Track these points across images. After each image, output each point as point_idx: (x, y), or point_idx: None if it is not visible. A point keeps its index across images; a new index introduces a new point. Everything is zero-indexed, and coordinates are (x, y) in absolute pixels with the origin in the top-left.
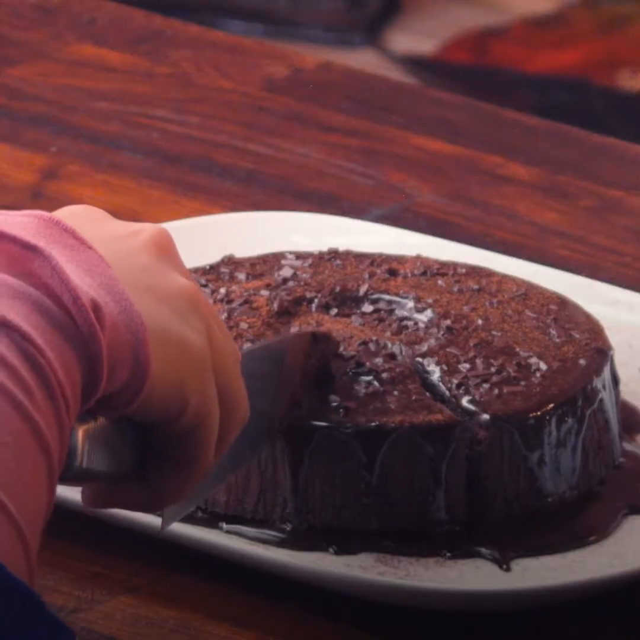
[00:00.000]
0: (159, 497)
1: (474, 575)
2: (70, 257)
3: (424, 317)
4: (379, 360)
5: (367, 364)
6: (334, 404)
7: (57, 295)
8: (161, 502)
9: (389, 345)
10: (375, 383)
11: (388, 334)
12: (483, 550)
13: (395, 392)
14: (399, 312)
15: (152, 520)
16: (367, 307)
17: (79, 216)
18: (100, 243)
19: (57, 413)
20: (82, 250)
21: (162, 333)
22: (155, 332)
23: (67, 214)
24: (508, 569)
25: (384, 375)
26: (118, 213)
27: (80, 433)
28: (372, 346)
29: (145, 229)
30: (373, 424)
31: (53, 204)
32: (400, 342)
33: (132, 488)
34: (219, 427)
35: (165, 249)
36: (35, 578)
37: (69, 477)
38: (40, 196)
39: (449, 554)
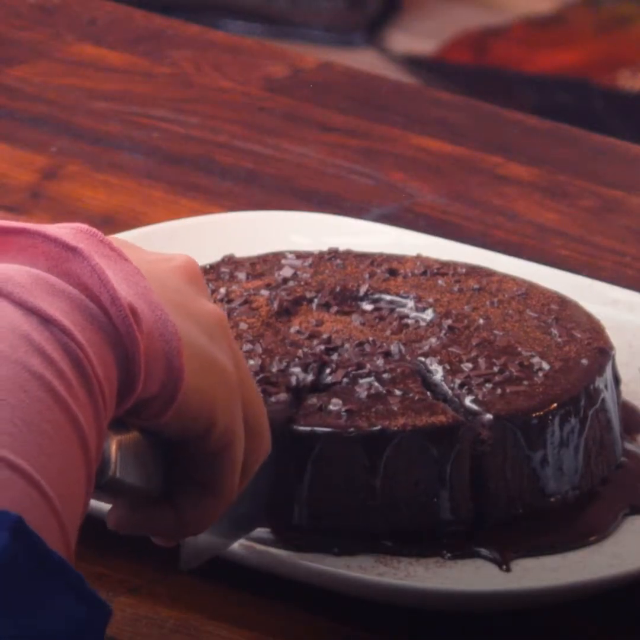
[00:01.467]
0: (184, 524)
1: (474, 576)
2: (107, 265)
3: (425, 315)
4: (379, 361)
5: (368, 365)
6: (336, 407)
7: (96, 295)
8: (185, 529)
9: (387, 345)
10: (376, 384)
11: (388, 332)
12: (483, 550)
13: (397, 392)
14: (400, 311)
15: None
16: (367, 306)
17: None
18: (133, 262)
19: (96, 408)
20: (119, 261)
21: (193, 347)
22: (187, 345)
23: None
24: (508, 569)
25: (385, 376)
26: (118, 213)
27: (113, 442)
28: (370, 347)
29: (175, 257)
30: (376, 428)
31: (53, 204)
32: (399, 341)
33: (158, 513)
34: (244, 455)
35: (195, 277)
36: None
37: (101, 485)
38: (40, 196)
39: (449, 555)
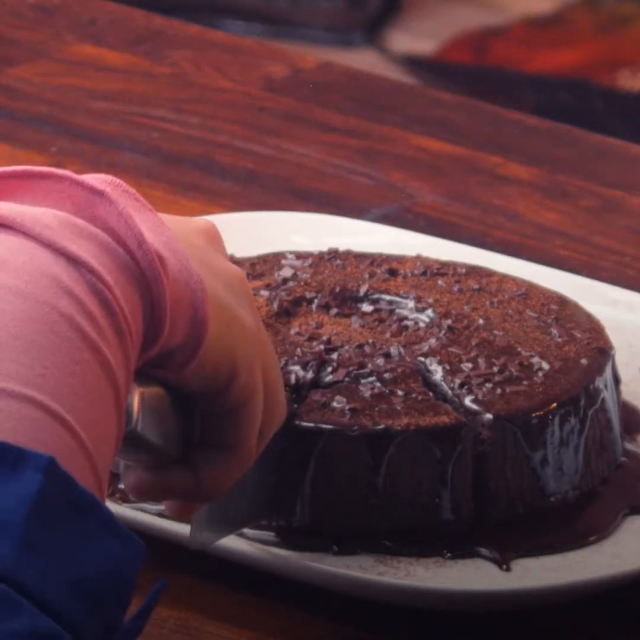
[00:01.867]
0: (202, 485)
1: (474, 575)
2: (133, 212)
3: (424, 316)
4: (379, 361)
5: (369, 365)
6: (340, 405)
7: (123, 239)
8: (204, 490)
9: (387, 347)
10: (378, 384)
11: (388, 335)
12: (483, 550)
13: (399, 392)
14: (400, 312)
15: (152, 520)
16: (367, 307)
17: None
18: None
19: (125, 351)
20: (143, 211)
21: (217, 299)
22: (211, 297)
23: None
24: (508, 569)
25: (386, 375)
26: None
27: (136, 394)
28: (369, 348)
29: (196, 220)
30: (380, 426)
31: None
32: (399, 343)
33: (175, 474)
34: (262, 416)
35: (216, 239)
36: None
37: (124, 436)
38: None
39: (449, 554)
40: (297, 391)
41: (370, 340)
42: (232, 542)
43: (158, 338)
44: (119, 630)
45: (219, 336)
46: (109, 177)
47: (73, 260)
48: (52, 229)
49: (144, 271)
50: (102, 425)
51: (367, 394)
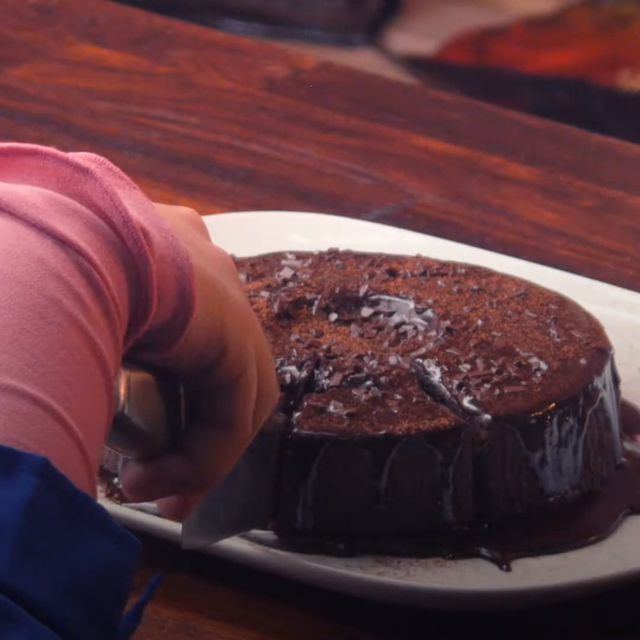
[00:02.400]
0: (201, 469)
1: (474, 575)
2: (118, 191)
3: (422, 320)
4: (373, 363)
5: (365, 369)
6: (336, 410)
7: (108, 216)
8: (203, 475)
9: (386, 358)
10: (374, 388)
11: (386, 344)
12: (483, 550)
13: (396, 396)
14: (398, 317)
15: (152, 520)
16: (366, 310)
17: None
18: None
19: (113, 331)
20: (128, 188)
21: (204, 275)
22: (198, 273)
23: None
24: (508, 569)
25: (382, 379)
26: None
27: (123, 378)
28: (369, 359)
29: (179, 207)
30: (381, 432)
31: None
32: (397, 353)
33: (172, 462)
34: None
35: (199, 225)
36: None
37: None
38: None
39: (449, 554)
40: (293, 391)
41: (369, 352)
42: (232, 543)
43: (146, 317)
44: (116, 631)
45: (207, 311)
46: (93, 155)
47: (60, 241)
48: (38, 208)
49: (130, 250)
50: (93, 413)
51: (363, 398)
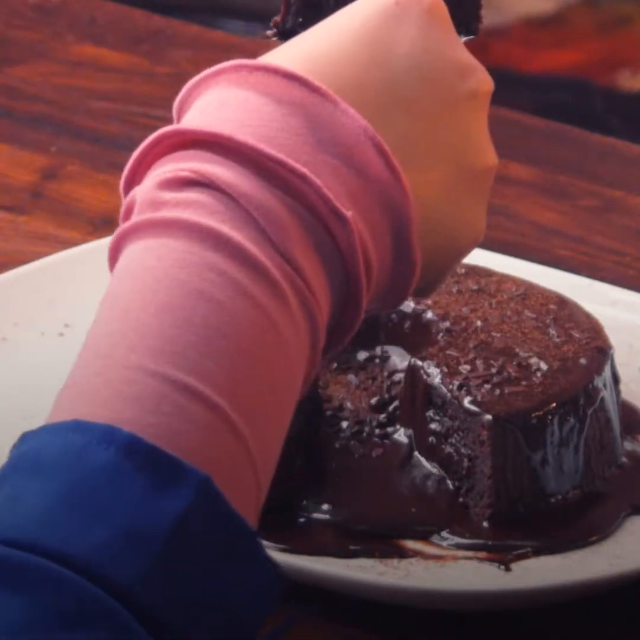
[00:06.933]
0: None
1: (474, 575)
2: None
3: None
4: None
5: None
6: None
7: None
8: None
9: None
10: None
11: (377, 398)
12: (483, 550)
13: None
14: (392, 362)
15: None
16: (362, 354)
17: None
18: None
19: (314, 343)
20: (331, 111)
21: (429, 213)
22: (421, 212)
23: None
24: (508, 569)
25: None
26: (118, 213)
27: None
28: (366, 435)
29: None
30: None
31: (53, 204)
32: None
33: None
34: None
35: (444, 21)
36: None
37: None
38: (40, 196)
39: (449, 554)
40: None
41: (368, 419)
42: None
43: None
44: None
45: (429, 262)
46: (291, 82)
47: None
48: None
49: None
50: (275, 439)
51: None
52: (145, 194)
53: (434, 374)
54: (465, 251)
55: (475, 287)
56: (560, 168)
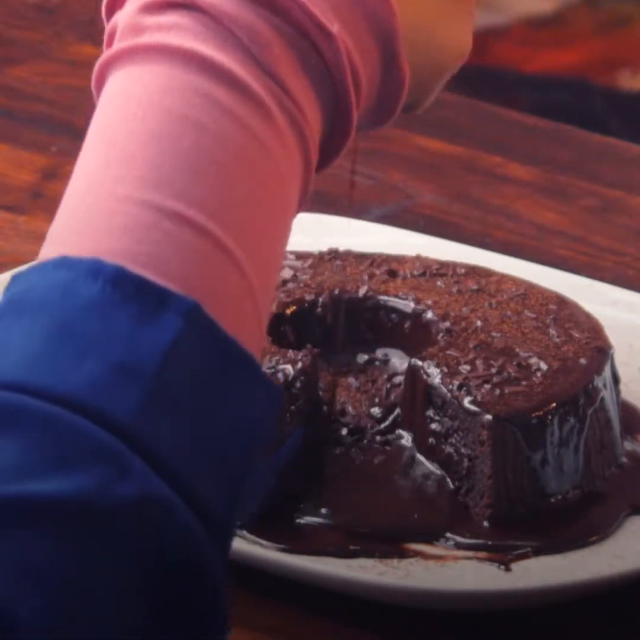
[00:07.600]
0: None
1: (474, 576)
2: None
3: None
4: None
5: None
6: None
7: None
8: None
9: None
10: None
11: (377, 401)
12: (483, 551)
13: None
14: (392, 365)
15: None
16: (362, 357)
17: None
18: None
19: (305, 155)
20: None
21: (415, 29)
22: (405, 23)
23: None
24: (508, 569)
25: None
26: None
27: None
28: (366, 441)
29: None
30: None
31: (53, 204)
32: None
33: None
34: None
35: None
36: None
37: None
38: (40, 196)
39: (449, 554)
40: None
41: (369, 426)
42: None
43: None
44: (242, 495)
45: (417, 77)
46: None
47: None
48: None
49: (327, 61)
50: (266, 239)
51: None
52: (127, 19)
53: (434, 374)
54: (452, 67)
55: (475, 287)
56: (560, 168)
